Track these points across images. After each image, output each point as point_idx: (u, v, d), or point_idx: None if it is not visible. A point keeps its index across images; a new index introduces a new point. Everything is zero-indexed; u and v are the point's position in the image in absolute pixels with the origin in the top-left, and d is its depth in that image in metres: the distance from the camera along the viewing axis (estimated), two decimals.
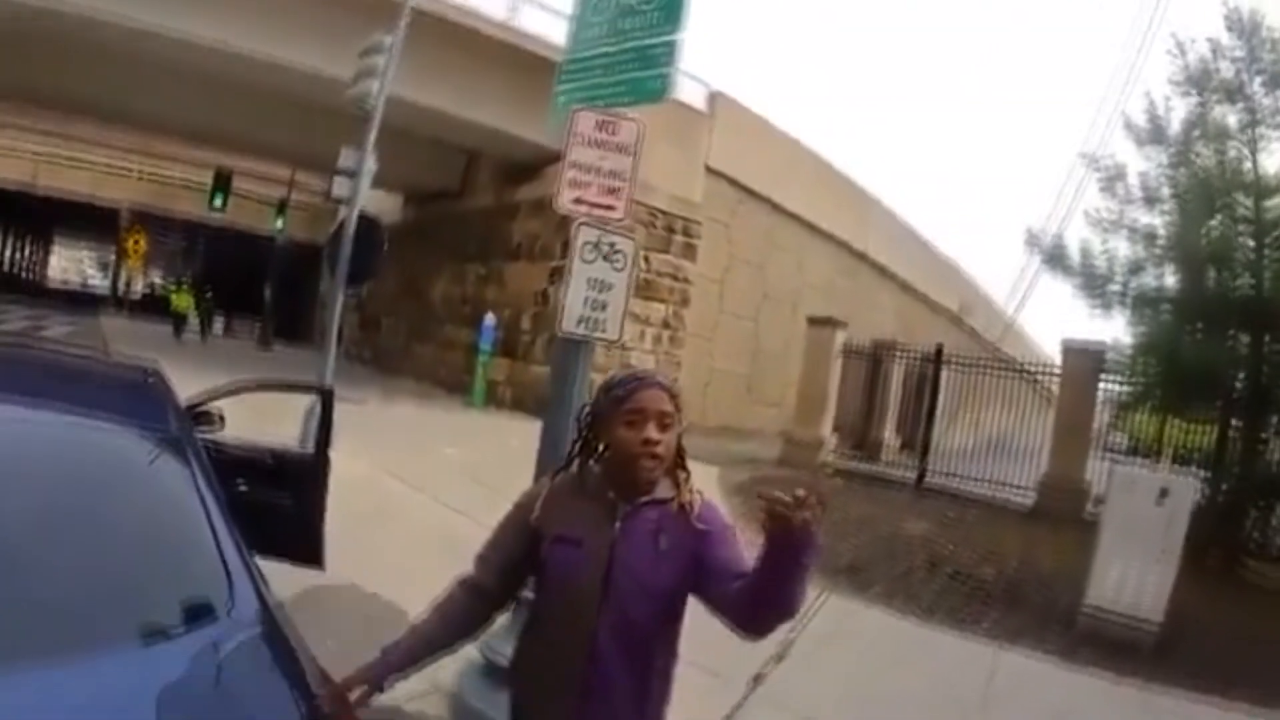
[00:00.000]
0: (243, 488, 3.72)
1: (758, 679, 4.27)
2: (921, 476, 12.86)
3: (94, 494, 1.93)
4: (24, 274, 55.52)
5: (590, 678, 1.71)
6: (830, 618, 5.80)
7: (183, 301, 25.99)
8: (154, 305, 34.72)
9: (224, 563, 1.80)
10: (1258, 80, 8.95)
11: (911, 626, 6.08)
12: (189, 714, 1.49)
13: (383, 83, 9.61)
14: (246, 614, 1.71)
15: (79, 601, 1.61)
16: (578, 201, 3.81)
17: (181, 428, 2.38)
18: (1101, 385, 11.59)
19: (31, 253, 60.63)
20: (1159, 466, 10.98)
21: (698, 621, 1.80)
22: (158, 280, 52.17)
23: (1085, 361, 11.43)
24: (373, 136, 9.63)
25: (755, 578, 1.59)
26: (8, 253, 55.36)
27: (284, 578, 2.88)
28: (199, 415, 3.96)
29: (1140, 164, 9.74)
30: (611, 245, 3.84)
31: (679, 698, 1.88)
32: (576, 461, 1.85)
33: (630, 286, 3.95)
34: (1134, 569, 6.10)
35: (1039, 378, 13.96)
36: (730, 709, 3.95)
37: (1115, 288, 9.80)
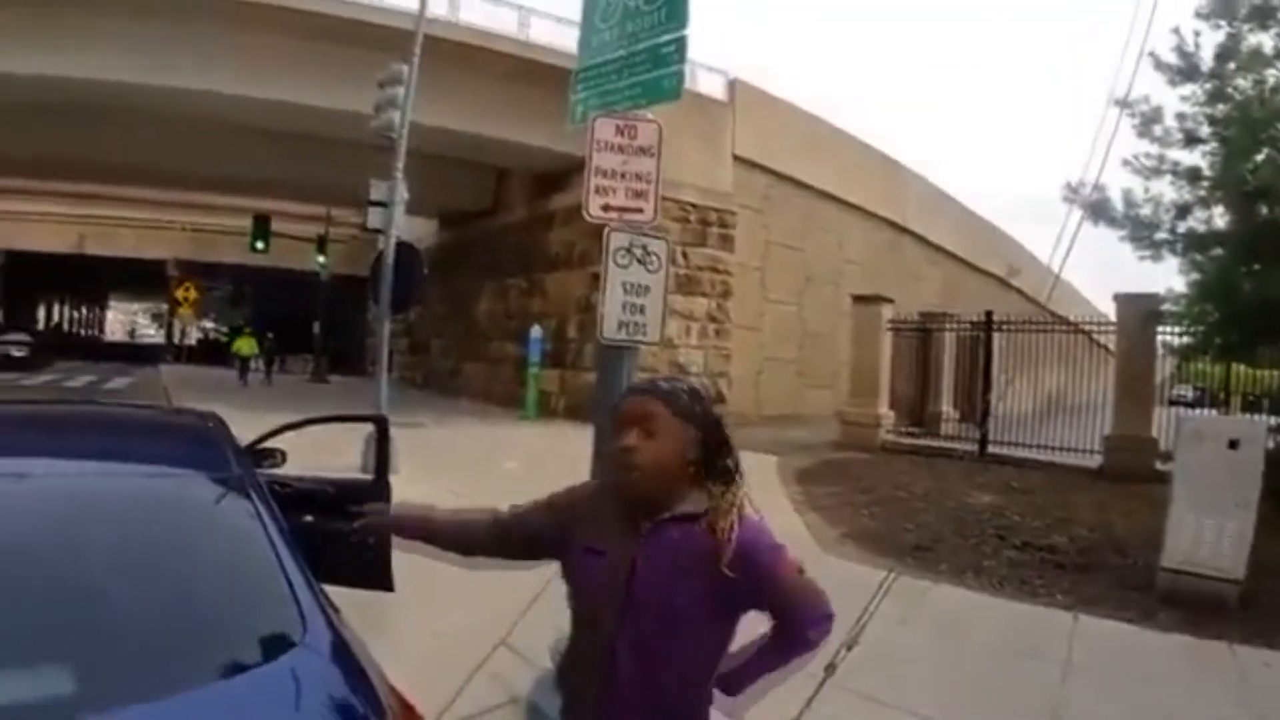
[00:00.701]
0: (309, 519, 3.84)
1: (830, 668, 4.24)
2: (983, 446, 12.69)
3: (169, 537, 2.04)
4: (83, 333, 57.82)
5: (607, 691, 1.68)
6: (900, 599, 5.74)
7: (246, 346, 26.62)
8: (210, 352, 35.79)
9: (294, 595, 1.85)
10: None
11: (985, 601, 5.97)
12: None
13: (404, 112, 9.79)
14: (320, 642, 1.76)
15: (165, 639, 1.69)
16: (605, 208, 3.85)
17: (244, 469, 2.47)
18: (1160, 336, 11.31)
19: (88, 313, 63.09)
20: (1229, 413, 10.65)
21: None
22: (210, 326, 53.87)
23: (1140, 312, 11.11)
24: (400, 165, 9.82)
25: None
26: (66, 315, 57.74)
27: (356, 601, 2.96)
28: (262, 454, 4.09)
29: (1175, 103, 9.48)
30: (644, 248, 3.87)
31: None
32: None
33: (666, 287, 3.96)
34: (1210, 523, 5.89)
35: (1095, 333, 13.66)
36: (805, 700, 3.93)
37: (1163, 234, 9.50)
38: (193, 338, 43.17)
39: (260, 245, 24.52)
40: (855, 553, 7.09)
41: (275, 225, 25.63)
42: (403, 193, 9.85)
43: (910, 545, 7.27)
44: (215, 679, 1.61)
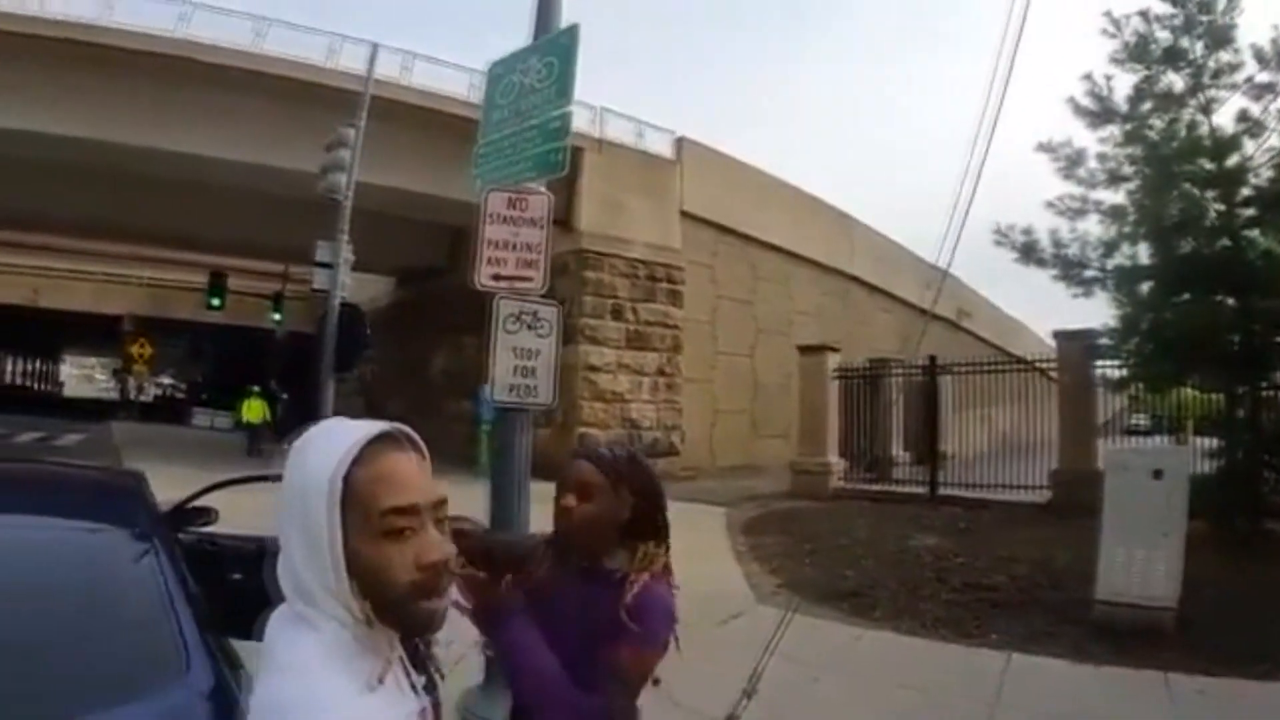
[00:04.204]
0: (237, 577, 3.82)
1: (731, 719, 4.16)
2: (934, 488, 12.76)
3: (75, 584, 2.16)
4: (35, 386, 56.88)
5: None
6: (825, 645, 5.72)
7: (255, 411, 21.86)
8: (166, 409, 35.02)
9: (183, 639, 2.00)
10: (1199, 44, 8.94)
11: (916, 644, 5.94)
12: None
13: (350, 174, 9.92)
14: (200, 683, 1.90)
15: (50, 677, 1.80)
16: (495, 277, 3.99)
17: (153, 525, 2.55)
18: (1099, 369, 11.43)
19: (41, 367, 62.17)
20: (1181, 440, 10.76)
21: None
22: (168, 382, 53.38)
23: (1079, 348, 11.38)
24: (345, 226, 9.90)
25: None
26: (19, 368, 56.84)
27: None
28: (193, 512, 4.08)
29: (1095, 145, 9.63)
30: (534, 314, 4.02)
31: None
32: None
33: (558, 351, 4.07)
34: (1139, 553, 5.91)
35: (1041, 370, 13.88)
36: None
37: (1093, 271, 9.66)
38: (150, 394, 42.51)
39: (216, 302, 24.23)
40: (791, 602, 6.95)
41: (233, 282, 25.26)
42: (347, 254, 9.92)
43: (846, 591, 7.22)
44: (91, 714, 1.69)
